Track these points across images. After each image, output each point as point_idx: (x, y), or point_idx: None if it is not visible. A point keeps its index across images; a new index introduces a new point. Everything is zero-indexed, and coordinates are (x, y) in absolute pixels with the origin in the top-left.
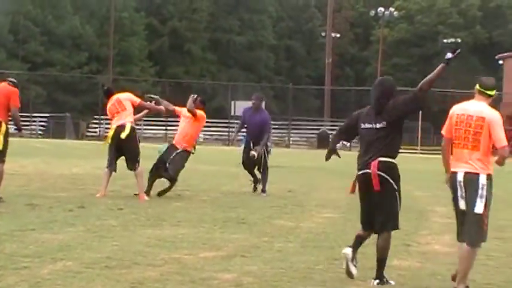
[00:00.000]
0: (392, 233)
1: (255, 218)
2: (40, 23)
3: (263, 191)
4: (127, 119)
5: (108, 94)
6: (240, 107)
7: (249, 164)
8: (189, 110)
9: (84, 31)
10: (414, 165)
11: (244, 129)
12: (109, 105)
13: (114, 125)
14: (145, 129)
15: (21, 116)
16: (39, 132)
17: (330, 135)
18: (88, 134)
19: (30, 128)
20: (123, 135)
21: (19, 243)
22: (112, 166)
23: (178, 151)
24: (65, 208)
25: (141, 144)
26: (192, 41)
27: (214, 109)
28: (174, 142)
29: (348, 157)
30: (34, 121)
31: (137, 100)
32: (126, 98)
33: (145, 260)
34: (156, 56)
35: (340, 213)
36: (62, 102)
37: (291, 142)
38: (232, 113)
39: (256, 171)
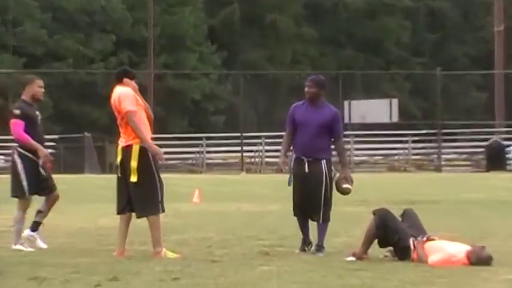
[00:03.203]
0: None
1: (390, 286)
2: None
3: (319, 247)
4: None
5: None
6: (356, 109)
7: (305, 201)
8: None
9: (108, 2)
10: None
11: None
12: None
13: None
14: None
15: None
16: None
17: (506, 149)
18: None
19: None
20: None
21: None
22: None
23: None
24: (89, 282)
25: None
26: (277, 9)
27: None
28: None
29: None
30: None
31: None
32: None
33: None
34: (221, 36)
35: None
36: (76, 116)
37: (442, 162)
38: (346, 119)
39: None
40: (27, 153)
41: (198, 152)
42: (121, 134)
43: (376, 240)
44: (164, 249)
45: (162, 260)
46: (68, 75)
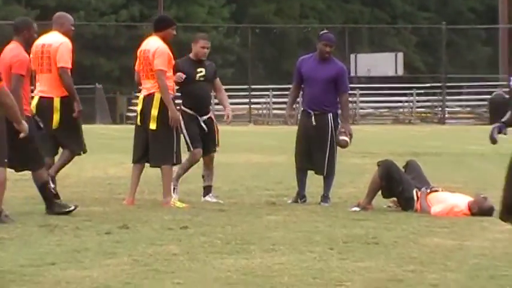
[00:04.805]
0: None
1: (394, 236)
2: None
3: (325, 197)
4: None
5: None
6: (363, 63)
7: (308, 152)
8: None
9: None
10: None
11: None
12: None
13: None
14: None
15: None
16: None
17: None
18: (130, 114)
19: None
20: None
21: (32, 286)
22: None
23: None
24: (100, 229)
25: None
26: None
27: None
28: None
29: None
30: None
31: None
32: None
33: None
34: None
35: None
36: (88, 68)
37: (446, 114)
38: (352, 73)
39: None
40: None
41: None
42: (143, 83)
43: (380, 191)
44: (173, 199)
45: (171, 209)
46: (79, 27)
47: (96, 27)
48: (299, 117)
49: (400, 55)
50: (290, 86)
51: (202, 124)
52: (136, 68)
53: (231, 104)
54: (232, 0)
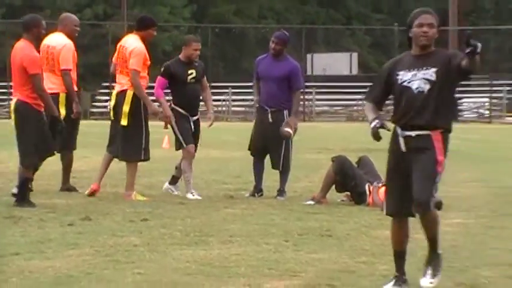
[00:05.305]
0: None
1: (346, 229)
2: None
3: (281, 191)
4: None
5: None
6: (319, 62)
7: (264, 147)
8: None
9: None
10: None
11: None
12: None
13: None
14: None
15: None
16: None
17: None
18: (94, 110)
19: (5, 105)
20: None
21: None
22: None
23: None
24: (63, 221)
25: None
26: None
27: None
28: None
29: (488, 132)
30: (12, 93)
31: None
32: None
33: None
34: None
35: (476, 218)
36: None
37: None
38: (308, 71)
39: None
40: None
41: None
42: (117, 78)
43: (334, 186)
44: (135, 192)
45: (132, 202)
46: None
47: None
48: (255, 114)
49: (355, 55)
50: (249, 83)
51: (191, 124)
52: (114, 60)
53: None
54: (194, 1)
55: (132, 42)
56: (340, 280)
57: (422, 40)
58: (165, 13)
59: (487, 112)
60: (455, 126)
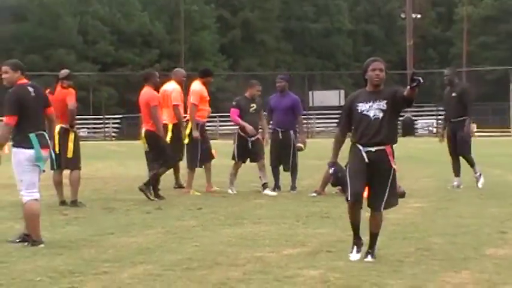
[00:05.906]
0: (487, 220)
1: (339, 212)
2: (109, 22)
3: (293, 187)
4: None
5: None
6: (317, 97)
7: (278, 157)
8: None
9: (154, 28)
10: (507, 148)
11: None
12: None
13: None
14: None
15: (95, 119)
16: (113, 134)
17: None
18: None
19: (104, 131)
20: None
21: (98, 248)
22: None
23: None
24: (143, 210)
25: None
26: (265, 31)
27: None
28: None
29: (435, 143)
30: (107, 123)
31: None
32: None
33: (227, 259)
34: (228, 49)
35: (429, 202)
36: (134, 103)
37: None
38: (310, 104)
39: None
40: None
41: (214, 126)
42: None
43: (330, 182)
44: (192, 189)
45: (190, 196)
46: (128, 76)
47: (139, 76)
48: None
49: (342, 91)
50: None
51: (249, 144)
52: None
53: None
54: (229, 56)
55: (193, 86)
56: (336, 247)
57: (376, 81)
58: (210, 65)
59: (435, 129)
60: (412, 139)
